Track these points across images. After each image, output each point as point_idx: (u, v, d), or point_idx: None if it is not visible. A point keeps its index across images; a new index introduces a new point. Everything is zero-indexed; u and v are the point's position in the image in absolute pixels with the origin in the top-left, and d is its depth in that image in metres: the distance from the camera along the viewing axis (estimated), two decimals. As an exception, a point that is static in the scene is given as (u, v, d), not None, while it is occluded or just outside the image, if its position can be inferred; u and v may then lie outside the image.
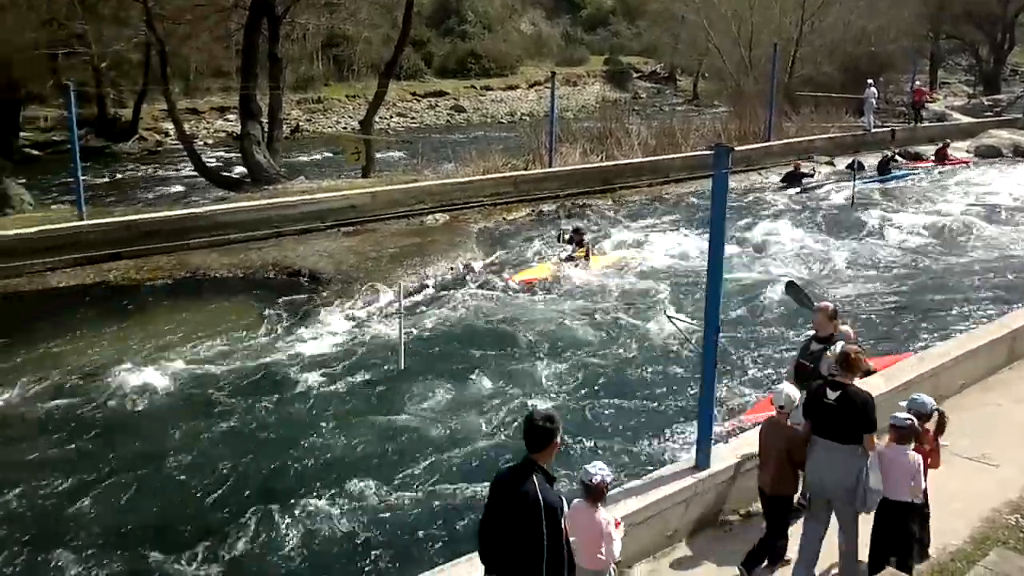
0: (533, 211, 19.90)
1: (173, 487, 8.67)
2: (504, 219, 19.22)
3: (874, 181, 23.36)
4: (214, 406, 10.36)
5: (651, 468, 7.41)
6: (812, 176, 23.30)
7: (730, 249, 14.33)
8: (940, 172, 25.35)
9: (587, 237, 16.16)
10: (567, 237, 16.07)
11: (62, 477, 8.75)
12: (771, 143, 26.02)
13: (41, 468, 8.95)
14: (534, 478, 4.38)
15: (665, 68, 60.44)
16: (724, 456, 6.85)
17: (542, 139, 23.11)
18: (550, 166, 21.66)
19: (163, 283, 14.76)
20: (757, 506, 6.74)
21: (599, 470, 4.98)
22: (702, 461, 6.67)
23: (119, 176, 29.19)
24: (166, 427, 9.83)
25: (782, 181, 23.11)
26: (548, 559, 4.32)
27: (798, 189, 22.37)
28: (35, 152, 31.57)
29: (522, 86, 52.15)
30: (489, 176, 20.94)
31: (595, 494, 4.97)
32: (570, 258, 15.51)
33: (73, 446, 9.44)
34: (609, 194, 21.34)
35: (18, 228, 15.58)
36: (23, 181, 21.34)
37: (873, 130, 28.93)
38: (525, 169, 21.88)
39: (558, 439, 4.49)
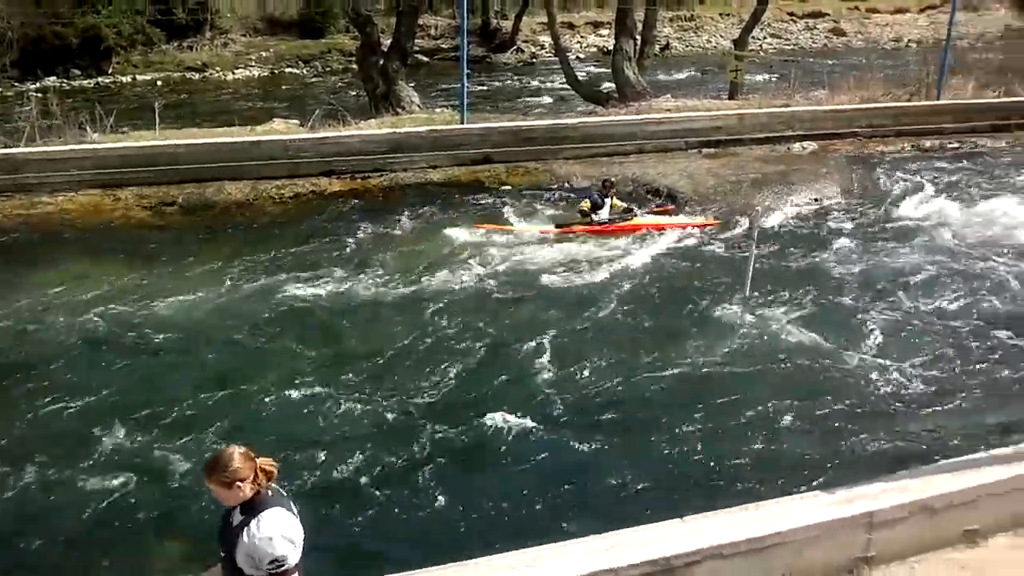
0: (913, 146, 18.38)
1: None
2: (880, 152, 17.93)
3: None
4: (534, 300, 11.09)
5: (1024, 438, 6.73)
6: None
7: None
8: None
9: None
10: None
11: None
12: None
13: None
14: None
15: (1092, -7, 52.61)
16: None
17: (930, 69, 21.16)
18: (937, 99, 19.83)
19: (529, 187, 15.64)
20: None
21: None
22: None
23: (495, 84, 30.93)
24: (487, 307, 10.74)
25: None
26: None
27: None
28: (423, 58, 34.27)
29: (912, 10, 47.91)
30: (866, 106, 19.57)
31: None
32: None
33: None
34: (1004, 135, 19.13)
35: (408, 127, 17.06)
36: (412, 84, 23.14)
37: None
38: (908, 100, 20.21)
39: None
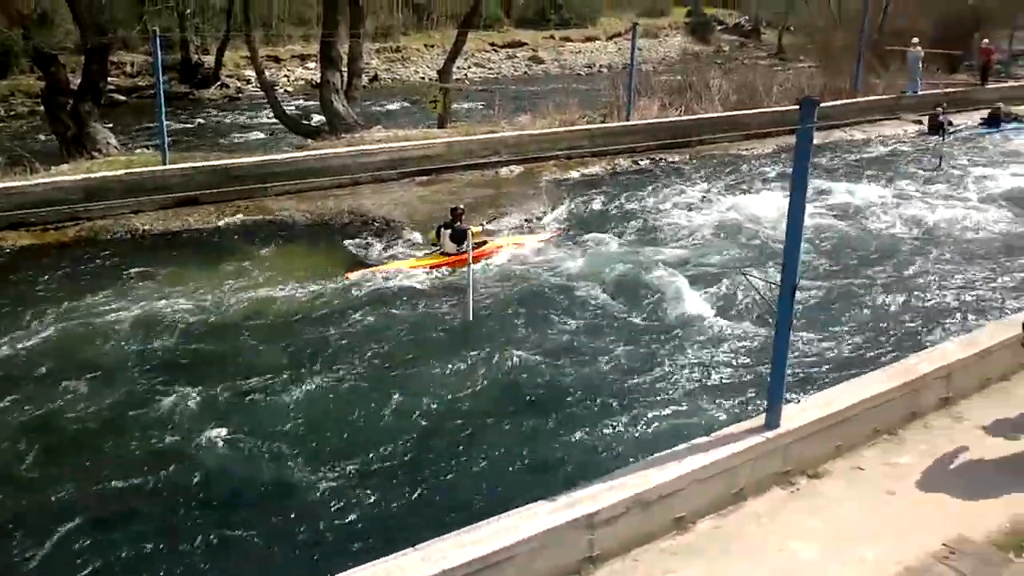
0: (609, 165, 19.72)
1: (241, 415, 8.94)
2: (580, 173, 19.06)
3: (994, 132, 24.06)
4: (276, 346, 10.65)
5: (719, 426, 7.35)
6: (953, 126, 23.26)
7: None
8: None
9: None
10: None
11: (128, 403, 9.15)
12: (858, 99, 25.25)
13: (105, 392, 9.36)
14: None
15: (750, 21, 58.95)
16: (794, 416, 6.77)
17: (620, 92, 22.83)
18: (627, 119, 21.38)
19: (242, 227, 15.10)
20: (825, 467, 6.75)
21: None
22: (772, 420, 6.60)
23: (201, 122, 29.71)
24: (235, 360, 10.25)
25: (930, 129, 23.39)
26: None
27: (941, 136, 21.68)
28: (120, 97, 32.31)
29: (601, 38, 51.41)
30: (565, 128, 20.76)
31: None
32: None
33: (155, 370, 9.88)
34: (686, 150, 20.99)
35: (104, 171, 16.02)
36: (109, 125, 21.81)
37: (920, 92, 26.75)
38: (602, 122, 21.64)
39: None
